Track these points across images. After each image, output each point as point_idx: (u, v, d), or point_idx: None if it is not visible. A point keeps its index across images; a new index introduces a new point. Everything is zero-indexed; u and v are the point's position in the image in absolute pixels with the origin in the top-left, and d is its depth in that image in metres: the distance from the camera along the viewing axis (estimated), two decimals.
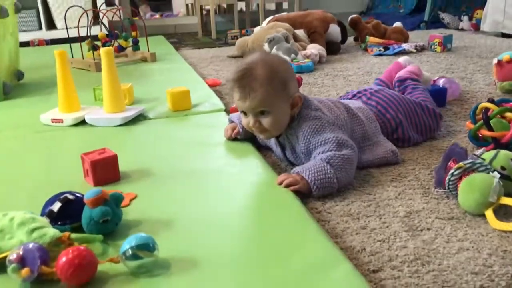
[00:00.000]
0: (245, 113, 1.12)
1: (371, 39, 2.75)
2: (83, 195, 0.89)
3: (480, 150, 1.02)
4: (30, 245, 0.73)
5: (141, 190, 1.05)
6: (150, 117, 1.60)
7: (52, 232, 0.78)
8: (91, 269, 0.73)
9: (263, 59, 1.09)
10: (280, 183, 1.03)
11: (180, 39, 3.93)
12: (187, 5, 4.71)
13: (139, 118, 1.58)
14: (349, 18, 2.94)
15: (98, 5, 3.59)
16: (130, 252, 0.74)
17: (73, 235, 0.79)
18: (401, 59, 1.70)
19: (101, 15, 2.64)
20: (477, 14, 3.55)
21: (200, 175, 1.13)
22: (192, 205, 0.99)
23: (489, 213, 0.90)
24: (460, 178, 0.96)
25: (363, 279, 0.73)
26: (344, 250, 0.83)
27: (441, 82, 1.67)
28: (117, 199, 0.88)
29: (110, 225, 0.85)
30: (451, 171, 0.97)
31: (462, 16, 3.58)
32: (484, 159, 0.98)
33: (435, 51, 2.63)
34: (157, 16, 5.05)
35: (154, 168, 1.17)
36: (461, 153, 1.01)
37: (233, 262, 0.79)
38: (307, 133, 1.09)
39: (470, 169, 0.95)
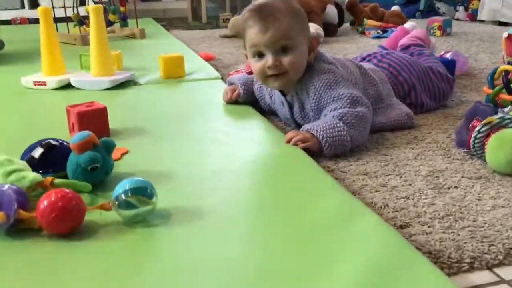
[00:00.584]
0: (260, 55, 1.00)
1: (369, 22, 2.67)
2: (68, 143, 0.78)
3: (507, 108, 0.94)
4: (6, 187, 0.62)
5: (134, 146, 0.94)
6: (141, 83, 1.48)
7: (32, 175, 0.68)
8: (78, 215, 0.62)
9: None
10: (289, 141, 0.93)
11: (169, 23, 3.80)
12: None
13: (129, 83, 1.47)
14: (346, 1, 2.85)
15: None
16: (124, 197, 0.63)
17: (57, 181, 0.69)
18: (407, 24, 1.60)
19: None
20: (472, 4, 3.49)
21: (197, 135, 1.03)
22: (190, 162, 0.88)
23: None
24: (488, 136, 0.87)
25: (393, 229, 0.63)
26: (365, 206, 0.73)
27: (448, 55, 1.59)
28: (108, 146, 0.77)
29: (100, 173, 0.75)
30: (478, 127, 0.88)
31: (458, 6, 3.53)
32: None
33: (435, 35, 2.55)
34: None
35: (147, 128, 1.07)
36: (486, 110, 0.92)
37: (244, 212, 0.70)
38: (319, 88, 0.99)
39: (499, 125, 0.87)
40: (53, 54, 1.45)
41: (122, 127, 1.05)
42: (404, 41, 1.48)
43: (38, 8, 1.43)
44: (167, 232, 0.63)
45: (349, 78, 1.03)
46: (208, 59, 1.99)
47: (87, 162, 0.72)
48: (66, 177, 0.75)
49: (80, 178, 0.73)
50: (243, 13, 1.03)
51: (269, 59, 0.98)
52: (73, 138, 0.75)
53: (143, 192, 0.64)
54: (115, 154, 0.86)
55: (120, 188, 0.64)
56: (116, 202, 0.63)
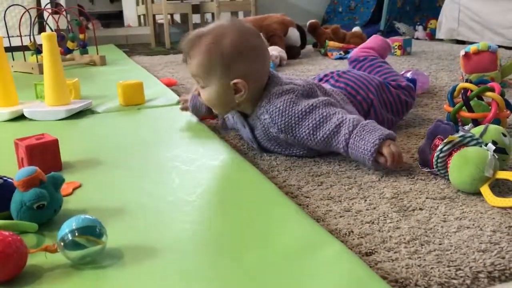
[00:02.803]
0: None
1: (330, 43, 2.70)
2: (11, 178, 0.73)
3: (468, 126, 0.94)
4: None
5: (87, 179, 0.89)
6: (99, 111, 1.44)
7: None
8: (19, 260, 0.57)
9: (221, 28, 0.99)
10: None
11: (132, 49, 3.77)
12: (139, 16, 4.56)
13: (86, 113, 1.42)
14: (308, 22, 2.88)
15: (43, 5, 3.39)
16: (70, 237, 0.58)
17: None
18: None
19: (45, 15, 2.46)
20: (430, 24, 3.60)
21: (156, 164, 0.99)
22: (146, 194, 0.84)
23: (485, 190, 0.81)
24: (450, 155, 0.86)
25: (358, 258, 0.61)
26: (329, 233, 0.71)
27: (409, 74, 1.60)
28: (56, 181, 0.72)
29: (47, 212, 0.70)
30: (440, 147, 0.87)
31: (417, 26, 3.62)
32: (474, 134, 0.89)
33: (395, 54, 2.60)
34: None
35: (103, 159, 1.02)
36: (447, 129, 0.92)
37: (202, 247, 0.65)
38: (284, 108, 0.97)
39: (460, 144, 0.86)
40: (5, 84, 1.39)
41: (76, 159, 1.00)
42: (353, 53, 1.47)
43: None
44: (118, 273, 0.59)
45: (310, 90, 1.02)
46: (170, 84, 1.96)
47: (33, 200, 0.67)
48: (10, 217, 0.70)
49: (25, 217, 0.68)
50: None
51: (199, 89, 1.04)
52: (17, 174, 0.70)
53: (91, 231, 0.59)
54: (66, 189, 0.81)
55: (67, 228, 0.59)
56: (62, 243, 0.59)
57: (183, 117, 1.34)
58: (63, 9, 2.51)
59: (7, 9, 2.37)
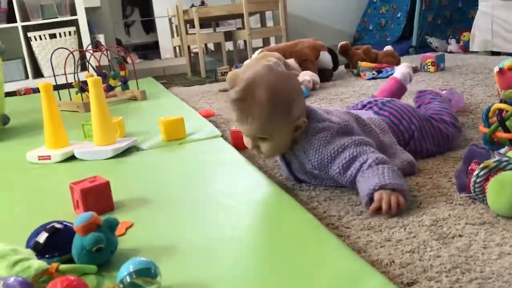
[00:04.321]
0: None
1: (363, 64, 2.72)
2: (70, 223, 0.79)
3: (504, 149, 0.94)
4: (11, 280, 0.63)
5: (137, 218, 0.95)
6: (143, 148, 1.51)
7: (37, 264, 0.68)
8: None
9: (266, 77, 0.99)
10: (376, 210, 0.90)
11: (169, 80, 3.89)
12: (174, 47, 4.71)
13: (131, 150, 1.49)
14: (339, 45, 2.92)
15: (85, 47, 3.57)
16: (128, 279, 0.64)
17: (62, 266, 0.69)
18: (397, 73, 1.63)
19: (88, 55, 2.59)
20: (463, 36, 3.57)
21: (200, 200, 1.04)
22: (194, 231, 0.89)
23: None
24: (487, 179, 0.88)
25: None
26: (371, 264, 0.73)
27: (443, 94, 1.61)
28: (111, 225, 0.78)
29: (105, 254, 0.75)
30: (476, 172, 0.88)
31: (449, 40, 3.60)
32: (510, 157, 0.90)
33: (429, 71, 2.59)
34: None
35: (150, 196, 1.08)
36: (483, 153, 0.93)
37: (249, 282, 0.69)
38: (318, 147, 1.01)
39: (497, 168, 0.87)
40: (56, 128, 1.48)
41: (126, 198, 1.06)
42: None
43: (39, 84, 1.47)
44: None
45: (346, 128, 1.05)
46: (208, 116, 2.03)
47: (92, 244, 0.73)
48: (71, 259, 0.76)
49: (85, 260, 0.74)
50: (229, 94, 1.02)
51: (248, 143, 1.03)
52: (76, 220, 0.76)
53: (147, 273, 0.64)
54: (119, 229, 0.87)
55: (125, 271, 0.64)
56: (121, 285, 0.64)
57: (223, 150, 1.40)
58: (103, 48, 2.64)
59: (54, 51, 2.51)
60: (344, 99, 2.11)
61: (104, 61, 2.95)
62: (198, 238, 0.85)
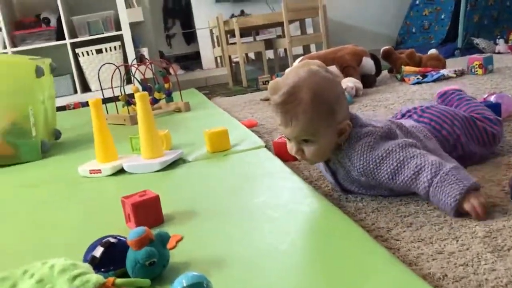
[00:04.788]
0: (287, 138, 1.05)
1: (406, 69, 2.68)
2: (124, 237, 0.82)
3: None
4: None
5: (187, 231, 0.97)
6: (189, 160, 1.54)
7: (95, 278, 0.71)
8: None
9: (308, 81, 1.00)
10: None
11: (211, 90, 3.95)
12: (216, 58, 4.79)
13: (178, 162, 1.53)
14: (382, 49, 2.88)
15: (130, 62, 3.68)
16: None
17: (118, 280, 0.72)
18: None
19: (133, 69, 2.67)
20: None
21: (247, 211, 1.05)
22: (242, 243, 0.90)
23: None
24: None
25: None
26: (423, 278, 0.72)
27: (492, 98, 1.56)
28: (163, 239, 0.80)
29: (157, 267, 0.77)
30: None
31: (497, 40, 3.48)
32: None
33: (477, 74, 2.52)
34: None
35: (198, 208, 1.10)
36: None
37: None
38: (362, 153, 1.00)
39: None
40: (105, 142, 1.53)
41: (174, 211, 1.09)
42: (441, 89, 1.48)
43: (89, 100, 1.53)
44: None
45: (389, 132, 1.04)
46: (251, 126, 2.05)
47: (145, 258, 0.75)
48: (126, 273, 0.78)
49: (139, 274, 0.76)
50: (273, 98, 1.03)
51: (292, 148, 1.04)
52: (129, 234, 0.79)
53: (199, 287, 0.66)
54: (170, 243, 0.89)
55: (178, 285, 0.66)
56: None
57: (267, 160, 1.41)
58: (148, 62, 2.71)
59: (101, 67, 2.61)
60: (388, 105, 2.08)
61: (149, 74, 3.03)
62: (246, 251, 0.86)
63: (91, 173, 1.50)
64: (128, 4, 3.92)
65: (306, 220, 0.99)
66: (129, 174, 1.48)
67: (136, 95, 1.48)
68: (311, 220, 0.99)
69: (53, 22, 3.77)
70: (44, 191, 1.47)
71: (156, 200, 1.02)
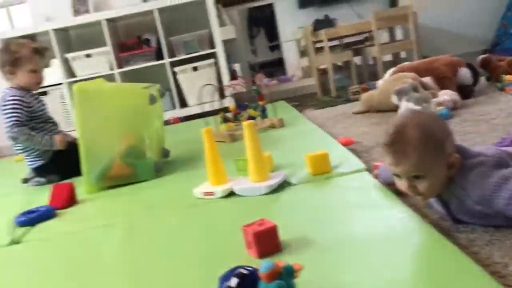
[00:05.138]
0: (398, 175, 1.09)
1: (507, 78, 2.58)
2: (253, 268, 0.91)
3: None
4: None
5: (304, 261, 1.04)
6: (293, 182, 1.63)
7: None
8: None
9: (414, 120, 1.06)
10: None
11: (300, 102, 4.03)
12: (302, 67, 4.86)
13: (282, 184, 1.62)
14: (480, 58, 2.80)
15: (223, 81, 3.87)
16: None
17: None
18: None
19: (230, 89, 2.82)
20: None
21: (357, 241, 1.11)
22: (360, 274, 0.96)
23: None
24: None
25: None
26: None
27: None
28: (289, 272, 0.89)
29: None
30: None
31: None
32: None
33: None
34: (274, 81, 5.26)
35: (311, 236, 1.18)
36: None
37: None
38: (477, 181, 1.02)
39: None
40: (217, 167, 1.67)
41: (289, 238, 1.17)
42: None
43: (202, 130, 1.67)
44: None
45: (501, 160, 1.05)
46: (348, 143, 2.09)
47: None
48: None
49: None
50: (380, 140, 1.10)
51: (404, 184, 1.08)
52: (262, 267, 0.88)
53: None
54: None
55: None
56: None
57: (370, 185, 1.45)
58: (243, 82, 2.85)
59: (202, 86, 2.78)
60: (490, 120, 2.04)
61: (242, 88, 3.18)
62: (361, 282, 0.92)
63: (205, 195, 1.64)
64: (222, 23, 4.11)
65: (416, 252, 1.03)
66: (239, 196, 1.60)
67: (244, 124, 1.59)
68: (421, 252, 1.03)
69: (153, 43, 4.05)
70: (163, 212, 1.62)
71: (274, 229, 1.11)
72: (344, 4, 5.07)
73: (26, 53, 2.36)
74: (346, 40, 4.56)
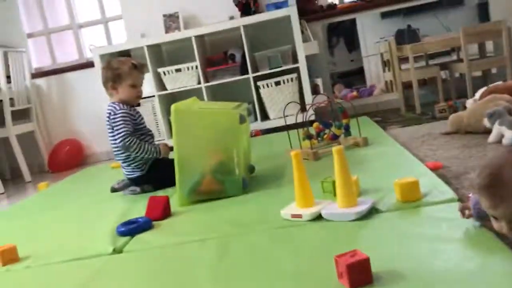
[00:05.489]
0: (495, 217, 1.08)
1: None
2: None
3: None
4: None
5: None
6: (381, 209, 1.64)
7: None
8: None
9: (509, 158, 1.05)
10: None
11: (383, 117, 3.99)
12: (386, 81, 4.80)
13: (370, 210, 1.64)
14: None
15: (305, 95, 3.93)
16: None
17: None
18: None
19: (313, 107, 2.86)
20: None
21: (449, 276, 1.11)
22: None
23: None
24: None
25: None
26: None
27: None
28: None
29: None
30: None
31: None
32: None
33: None
34: (354, 92, 5.22)
35: (401, 269, 1.19)
36: None
37: None
38: None
39: None
40: (305, 190, 1.72)
41: (380, 270, 1.18)
42: None
43: (291, 153, 1.72)
44: None
45: None
46: (436, 168, 2.07)
47: None
48: None
49: None
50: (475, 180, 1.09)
51: (503, 227, 1.07)
52: None
53: None
54: None
55: None
56: None
57: (462, 219, 1.43)
58: (327, 100, 2.88)
59: (287, 104, 2.85)
60: None
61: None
62: None
63: (292, 217, 1.70)
64: (305, 38, 4.17)
65: None
66: (326, 220, 1.64)
67: (333, 149, 1.63)
68: None
69: (238, 58, 4.20)
70: (252, 231, 1.69)
71: (367, 262, 1.15)
72: (428, 14, 4.94)
73: (126, 69, 2.56)
74: (434, 61, 4.44)
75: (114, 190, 2.73)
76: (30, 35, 5.07)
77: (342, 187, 1.63)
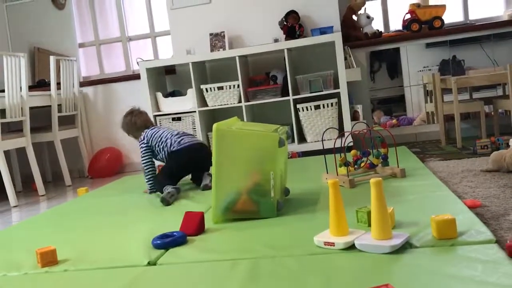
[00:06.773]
0: None
1: None
2: None
3: None
4: None
5: None
6: (415, 245, 1.63)
7: None
8: None
9: None
10: None
11: (422, 148, 3.94)
12: (427, 112, 4.75)
13: (404, 245, 1.63)
14: None
15: (344, 121, 3.93)
16: None
17: None
18: None
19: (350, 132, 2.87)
20: None
21: None
22: None
23: None
24: None
25: None
26: None
27: None
28: None
29: None
30: None
31: None
32: None
33: None
34: (394, 121, 5.19)
35: None
36: None
37: None
38: None
39: None
40: (340, 219, 1.73)
41: None
42: None
43: (329, 181, 1.74)
44: None
45: None
46: (474, 206, 2.04)
47: None
48: None
49: None
50: None
51: None
52: None
53: None
54: None
55: None
56: None
57: (501, 263, 1.40)
58: (366, 130, 2.88)
59: (326, 129, 2.87)
60: None
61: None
62: None
63: (325, 245, 1.70)
64: (348, 64, 4.20)
65: None
66: (359, 251, 1.64)
67: (371, 181, 1.64)
68: None
69: (279, 80, 4.25)
70: (284, 255, 1.70)
71: None
72: (474, 45, 4.88)
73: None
74: (478, 95, 4.38)
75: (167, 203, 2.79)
76: (81, 45, 5.29)
77: (378, 219, 1.63)
